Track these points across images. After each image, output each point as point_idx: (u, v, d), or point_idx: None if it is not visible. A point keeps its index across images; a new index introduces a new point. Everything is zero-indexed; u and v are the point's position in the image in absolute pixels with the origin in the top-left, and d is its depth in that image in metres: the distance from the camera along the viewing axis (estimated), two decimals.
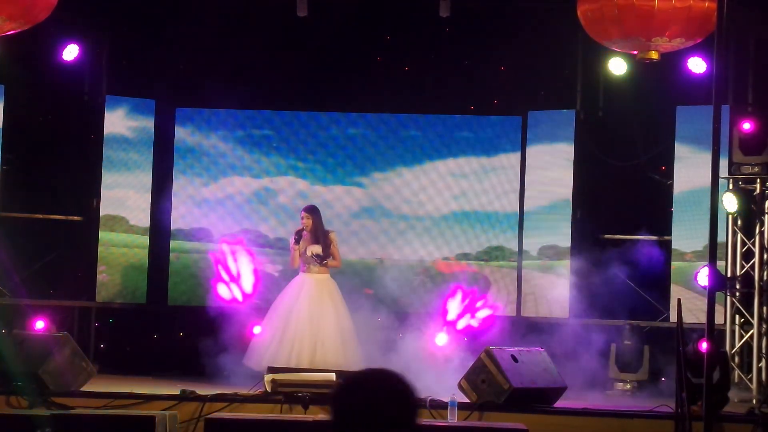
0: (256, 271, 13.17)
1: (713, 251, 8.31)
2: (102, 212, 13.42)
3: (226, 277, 13.12)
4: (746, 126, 11.90)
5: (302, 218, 11.89)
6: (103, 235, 13.41)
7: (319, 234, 11.83)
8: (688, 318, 11.38)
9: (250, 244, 13.56)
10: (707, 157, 8.57)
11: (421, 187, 13.67)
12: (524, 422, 9.16)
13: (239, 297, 13.01)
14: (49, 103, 13.28)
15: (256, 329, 12.80)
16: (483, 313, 12.97)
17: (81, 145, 13.41)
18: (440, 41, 13.35)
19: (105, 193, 13.44)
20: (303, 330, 11.49)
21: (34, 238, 13.23)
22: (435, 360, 12.88)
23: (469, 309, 13.09)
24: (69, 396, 9.89)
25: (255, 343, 11.77)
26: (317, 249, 11.77)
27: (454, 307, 13.01)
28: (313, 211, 11.94)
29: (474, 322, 12.98)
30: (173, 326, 13.03)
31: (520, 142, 13.51)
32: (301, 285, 11.76)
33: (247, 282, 13.09)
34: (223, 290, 13.09)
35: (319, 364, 11.15)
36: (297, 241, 11.75)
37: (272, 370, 10.47)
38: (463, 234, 13.60)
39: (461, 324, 13.01)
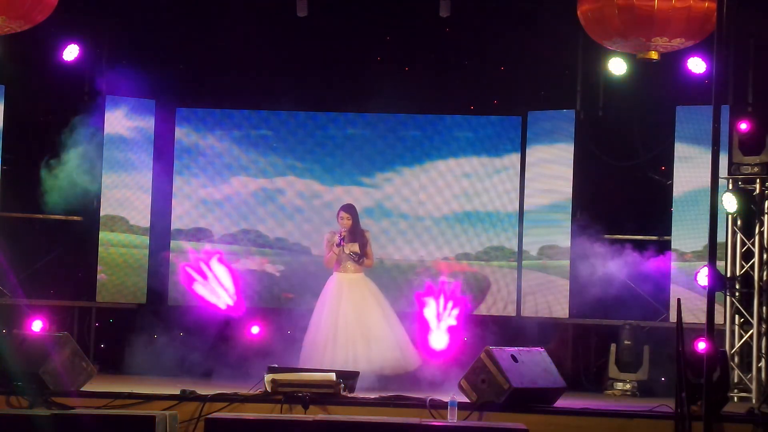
0: (234, 276, 13.08)
1: (713, 251, 8.32)
2: (102, 212, 13.43)
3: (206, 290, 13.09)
4: (746, 126, 11.90)
5: (342, 218, 11.93)
6: (103, 236, 13.42)
7: (357, 232, 11.89)
8: (688, 318, 11.37)
9: (248, 244, 13.57)
10: (707, 157, 8.58)
11: (420, 187, 13.68)
12: (524, 422, 9.16)
13: (229, 302, 12.96)
14: (49, 103, 13.28)
15: (254, 329, 12.81)
16: (454, 313, 12.95)
17: (81, 145, 13.39)
18: (440, 41, 13.36)
19: (105, 193, 13.44)
20: (353, 332, 11.61)
21: (34, 238, 13.24)
22: (434, 359, 12.90)
23: (468, 315, 13.07)
24: (69, 396, 9.88)
25: (308, 347, 11.75)
26: (355, 247, 11.85)
27: (454, 315, 12.98)
28: (351, 210, 11.99)
29: (451, 321, 12.95)
30: (173, 326, 13.02)
31: (520, 142, 13.52)
32: (340, 287, 11.83)
33: (228, 285, 13.03)
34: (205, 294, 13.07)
35: (376, 362, 11.24)
36: (339, 244, 11.79)
37: (272, 369, 10.47)
38: (463, 234, 13.61)
39: (443, 326, 12.99)
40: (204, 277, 12.92)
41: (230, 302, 12.83)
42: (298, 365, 11.55)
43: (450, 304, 12.85)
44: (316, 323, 11.84)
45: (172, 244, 13.60)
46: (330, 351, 11.54)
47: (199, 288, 12.92)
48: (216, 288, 12.87)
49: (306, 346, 11.83)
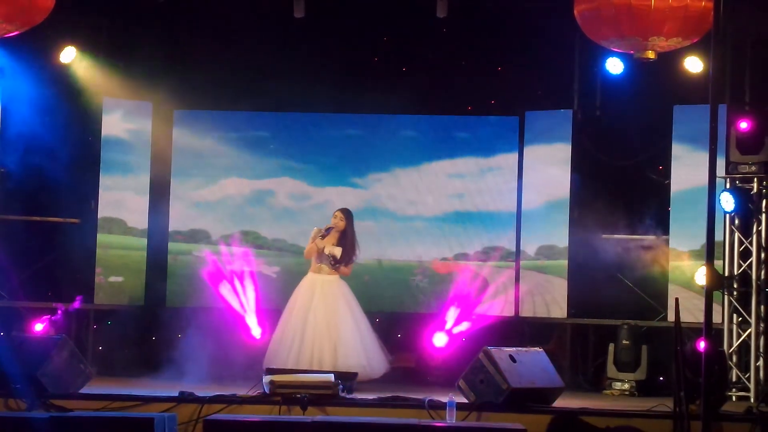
0: (258, 300, 13.09)
1: (710, 250, 8.33)
2: (100, 214, 13.43)
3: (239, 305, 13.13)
4: (743, 125, 11.91)
5: (335, 217, 11.87)
6: (101, 238, 13.42)
7: (348, 240, 11.79)
8: (686, 317, 11.36)
9: (247, 246, 13.57)
10: (704, 157, 8.57)
11: (418, 188, 13.68)
12: (522, 422, 9.15)
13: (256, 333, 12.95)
14: (47, 106, 13.27)
15: (255, 332, 12.81)
16: (464, 325, 13.07)
17: (78, 147, 13.40)
18: (437, 42, 13.35)
19: (103, 195, 13.45)
20: (321, 334, 11.52)
21: (32, 241, 13.23)
22: (434, 360, 12.92)
23: (467, 313, 13.11)
24: (67, 398, 9.88)
25: (275, 347, 11.74)
26: (336, 251, 11.74)
27: (452, 315, 13.05)
28: (348, 214, 11.92)
29: (466, 324, 13.03)
30: (171, 328, 13.02)
31: (518, 142, 13.52)
32: (312, 287, 11.76)
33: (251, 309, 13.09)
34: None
35: (341, 367, 11.20)
36: (323, 237, 11.73)
37: (271, 371, 10.48)
38: (461, 234, 13.61)
39: (457, 330, 13.04)
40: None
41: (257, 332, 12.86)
42: (263, 363, 11.57)
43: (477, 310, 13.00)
44: (285, 322, 11.78)
45: (170, 245, 13.61)
46: (296, 351, 11.46)
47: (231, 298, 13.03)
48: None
49: (273, 344, 11.79)
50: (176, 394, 9.98)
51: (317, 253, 11.78)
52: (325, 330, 11.53)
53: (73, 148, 13.31)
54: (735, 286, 12.09)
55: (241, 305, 13.06)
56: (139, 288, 13.49)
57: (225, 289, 13.16)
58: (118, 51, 13.40)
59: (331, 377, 10.12)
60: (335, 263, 11.74)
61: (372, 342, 11.69)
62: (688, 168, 12.70)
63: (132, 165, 13.57)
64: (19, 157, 13.13)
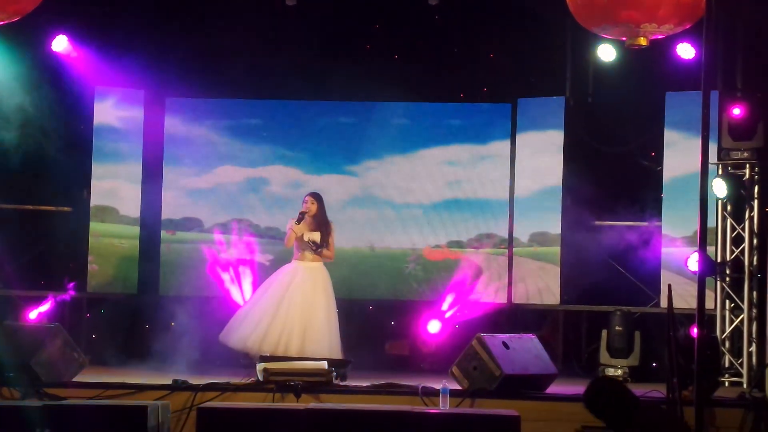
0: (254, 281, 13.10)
1: (703, 237, 8.32)
2: (92, 203, 13.42)
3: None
4: (736, 111, 11.92)
5: (305, 202, 11.84)
6: (94, 226, 13.40)
7: (321, 222, 11.79)
8: (678, 303, 11.39)
9: (240, 234, 13.56)
10: (697, 143, 8.57)
11: (411, 175, 13.67)
12: (516, 409, 9.16)
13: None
14: (38, 94, 13.23)
15: None
16: (458, 312, 13.07)
17: (70, 135, 13.38)
18: (429, 29, 13.34)
19: (95, 184, 13.43)
20: (293, 319, 11.47)
21: (24, 230, 13.22)
22: (427, 347, 12.93)
23: (461, 300, 13.12)
24: (61, 386, 9.89)
25: (237, 322, 11.72)
26: (315, 236, 11.72)
27: (446, 302, 13.06)
28: (318, 197, 11.90)
29: (460, 311, 13.05)
30: (164, 316, 13.01)
31: (510, 130, 13.52)
32: (294, 272, 11.73)
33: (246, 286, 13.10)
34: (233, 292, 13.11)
35: (307, 354, 11.16)
36: (298, 221, 11.70)
37: (264, 358, 10.48)
38: (454, 221, 13.60)
39: (450, 314, 13.06)
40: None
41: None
42: (219, 337, 11.59)
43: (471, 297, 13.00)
44: (256, 299, 11.77)
45: (163, 233, 13.60)
46: (262, 331, 11.41)
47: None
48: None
49: (234, 320, 11.75)
50: (170, 382, 9.99)
51: (297, 241, 11.76)
52: (297, 316, 11.48)
53: (64, 136, 13.28)
54: (727, 272, 12.11)
55: (235, 293, 13.06)
56: (131, 276, 13.48)
57: (218, 277, 13.15)
58: (109, 39, 13.37)
59: (325, 364, 10.13)
60: (317, 248, 11.73)
61: (336, 336, 11.62)
62: (681, 154, 12.70)
63: (124, 153, 13.55)
64: (11, 145, 13.11)
